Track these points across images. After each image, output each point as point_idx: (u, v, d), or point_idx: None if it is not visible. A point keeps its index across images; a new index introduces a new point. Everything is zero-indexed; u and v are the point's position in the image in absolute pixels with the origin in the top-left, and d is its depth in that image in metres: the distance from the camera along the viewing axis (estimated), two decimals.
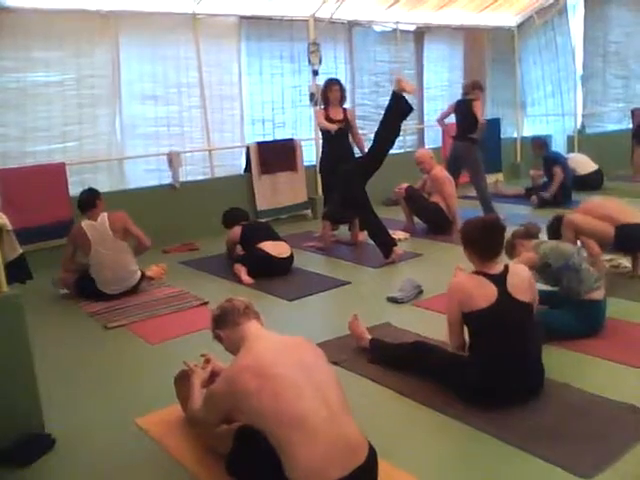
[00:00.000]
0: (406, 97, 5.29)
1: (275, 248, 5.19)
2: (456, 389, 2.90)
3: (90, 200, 4.76)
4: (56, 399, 3.06)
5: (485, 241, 2.94)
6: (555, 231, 4.40)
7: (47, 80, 5.86)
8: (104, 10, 5.99)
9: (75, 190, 5.87)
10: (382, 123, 5.44)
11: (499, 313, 2.81)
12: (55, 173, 5.71)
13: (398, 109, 5.31)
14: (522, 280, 2.92)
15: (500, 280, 2.86)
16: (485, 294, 2.82)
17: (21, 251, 2.87)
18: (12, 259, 2.85)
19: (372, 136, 5.70)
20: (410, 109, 5.36)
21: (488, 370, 2.78)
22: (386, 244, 5.45)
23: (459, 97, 6.99)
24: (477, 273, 2.93)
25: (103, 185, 6.21)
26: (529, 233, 3.87)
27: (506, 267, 2.94)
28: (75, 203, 5.55)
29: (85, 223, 4.68)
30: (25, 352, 2.73)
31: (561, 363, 3.22)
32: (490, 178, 7.61)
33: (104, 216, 4.70)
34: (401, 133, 8.72)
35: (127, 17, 6.16)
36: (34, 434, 2.74)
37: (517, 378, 2.79)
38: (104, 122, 6.23)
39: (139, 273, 4.82)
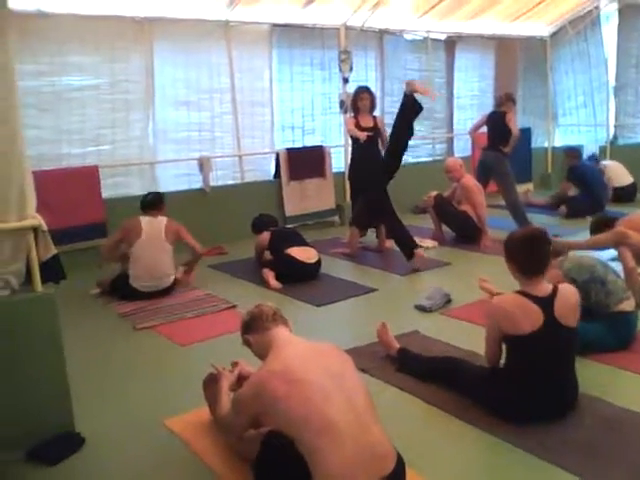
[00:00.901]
0: (416, 97, 5.36)
1: (303, 253, 5.22)
2: (487, 404, 2.85)
3: (155, 201, 5.01)
4: (85, 398, 3.09)
5: (528, 255, 2.77)
6: (596, 229, 4.34)
7: (82, 84, 5.96)
8: (139, 16, 6.09)
9: (107, 192, 5.98)
10: (395, 123, 5.50)
11: (544, 340, 2.68)
12: (89, 176, 5.80)
13: (408, 108, 5.37)
14: (571, 304, 2.77)
15: (547, 303, 2.71)
16: (530, 319, 2.67)
17: (55, 251, 2.90)
18: (46, 259, 2.88)
19: None
20: (420, 108, 5.40)
21: (523, 388, 2.73)
22: (407, 246, 5.45)
23: (490, 107, 6.96)
24: (521, 293, 2.76)
25: (134, 188, 6.33)
26: (554, 251, 3.84)
27: (555, 289, 2.78)
28: (108, 205, 5.67)
29: (143, 217, 4.87)
30: (57, 351, 2.77)
31: (593, 376, 3.17)
32: (520, 188, 7.54)
33: (163, 219, 4.90)
34: (430, 141, 8.83)
35: (161, 23, 6.25)
36: (64, 433, 2.77)
37: (552, 396, 2.74)
38: (137, 126, 6.33)
39: (172, 278, 4.90)
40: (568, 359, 2.80)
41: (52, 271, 2.89)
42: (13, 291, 2.74)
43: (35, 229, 2.73)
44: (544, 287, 2.77)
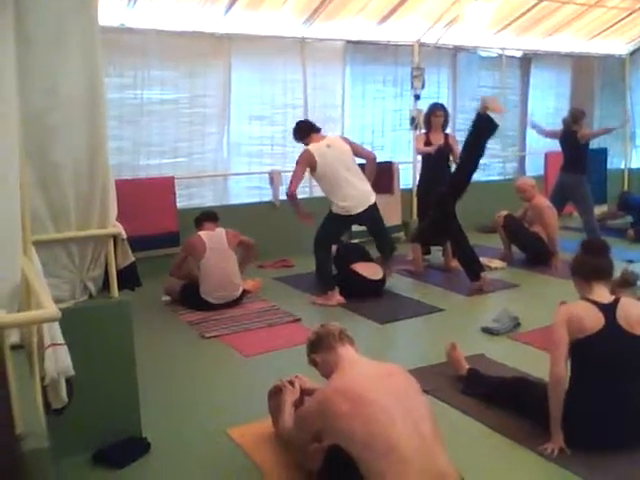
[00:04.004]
0: (491, 115, 5.21)
1: (368, 269, 5.22)
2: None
3: (212, 214, 5.22)
4: (152, 404, 3.15)
5: (588, 260, 2.90)
6: None
7: (162, 98, 6.16)
8: (219, 33, 6.26)
9: (181, 203, 6.16)
10: (466, 142, 5.38)
11: (604, 343, 2.68)
12: (165, 186, 5.99)
13: (482, 127, 5.23)
14: (634, 311, 2.76)
15: (609, 309, 2.74)
16: (590, 321, 2.71)
17: (133, 259, 3.00)
18: (124, 266, 2.98)
19: None
20: (495, 126, 5.19)
21: (588, 408, 2.66)
22: (472, 269, 5.38)
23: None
24: (584, 299, 2.83)
25: (207, 199, 6.52)
26: (626, 282, 3.76)
27: (617, 299, 2.81)
28: (181, 215, 5.83)
29: (202, 232, 5.00)
30: (129, 357, 2.85)
31: None
32: (596, 209, 7.33)
33: (222, 230, 5.03)
34: (501, 160, 8.68)
35: (240, 40, 6.39)
36: (131, 437, 2.85)
37: (620, 419, 2.65)
38: (213, 140, 6.49)
39: (241, 288, 5.00)
40: (635, 373, 2.72)
41: (129, 278, 2.98)
42: (90, 296, 2.86)
43: (115, 237, 2.82)
44: (606, 295, 2.82)
